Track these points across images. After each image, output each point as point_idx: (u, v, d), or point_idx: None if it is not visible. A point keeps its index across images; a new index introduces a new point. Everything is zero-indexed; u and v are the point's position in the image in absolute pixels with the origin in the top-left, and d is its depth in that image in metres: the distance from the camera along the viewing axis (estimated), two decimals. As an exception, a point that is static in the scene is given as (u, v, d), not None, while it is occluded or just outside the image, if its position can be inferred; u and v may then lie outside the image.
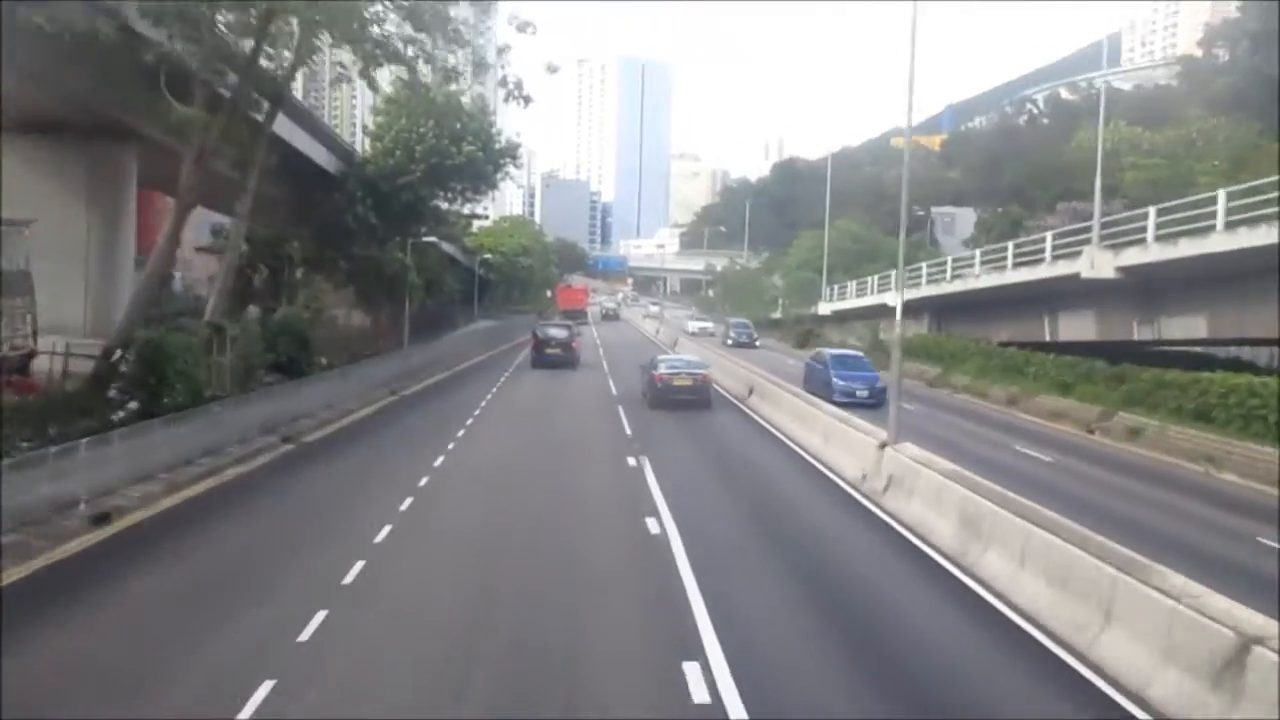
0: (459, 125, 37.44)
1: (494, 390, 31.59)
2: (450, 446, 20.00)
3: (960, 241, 63.76)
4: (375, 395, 27.73)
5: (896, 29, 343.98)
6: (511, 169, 42.82)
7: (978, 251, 40.45)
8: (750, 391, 28.73)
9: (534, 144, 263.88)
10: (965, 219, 70.67)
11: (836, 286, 57.40)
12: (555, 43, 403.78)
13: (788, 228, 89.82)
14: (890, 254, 63.51)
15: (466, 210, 50.87)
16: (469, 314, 69.36)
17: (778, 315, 66.13)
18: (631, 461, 18.48)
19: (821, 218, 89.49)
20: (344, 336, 35.93)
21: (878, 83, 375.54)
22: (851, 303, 53.11)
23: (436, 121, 36.42)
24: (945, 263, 41.94)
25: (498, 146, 40.34)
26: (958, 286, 39.46)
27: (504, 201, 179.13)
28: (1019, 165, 68.99)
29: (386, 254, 37.17)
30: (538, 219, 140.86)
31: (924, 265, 43.61)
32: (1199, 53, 77.26)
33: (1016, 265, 35.09)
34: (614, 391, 31.27)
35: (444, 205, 42.66)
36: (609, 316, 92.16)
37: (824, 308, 57.42)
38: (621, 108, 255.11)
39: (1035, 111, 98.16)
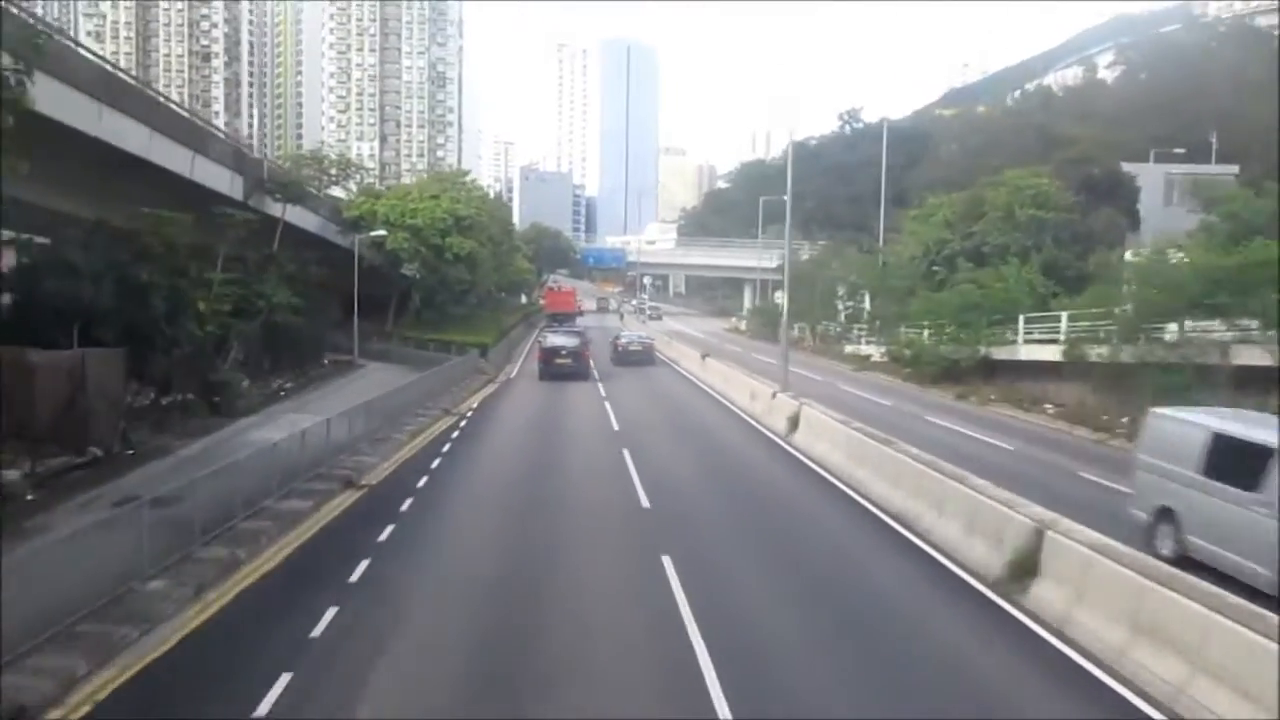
0: None
1: None
2: None
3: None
4: None
5: (893, 5, 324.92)
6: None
7: None
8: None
9: (512, 135, 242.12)
10: (1152, 177, 48.03)
11: None
12: (532, 25, 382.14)
13: (853, 202, 66.72)
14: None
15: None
16: (350, 343, 38.48)
17: (1025, 352, 31.13)
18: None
19: (913, 181, 63.24)
20: None
21: (871, 64, 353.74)
22: None
23: None
24: None
25: None
26: None
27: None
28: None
29: None
30: (516, 217, 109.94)
31: None
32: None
33: None
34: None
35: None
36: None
37: None
38: (605, 96, 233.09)
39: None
